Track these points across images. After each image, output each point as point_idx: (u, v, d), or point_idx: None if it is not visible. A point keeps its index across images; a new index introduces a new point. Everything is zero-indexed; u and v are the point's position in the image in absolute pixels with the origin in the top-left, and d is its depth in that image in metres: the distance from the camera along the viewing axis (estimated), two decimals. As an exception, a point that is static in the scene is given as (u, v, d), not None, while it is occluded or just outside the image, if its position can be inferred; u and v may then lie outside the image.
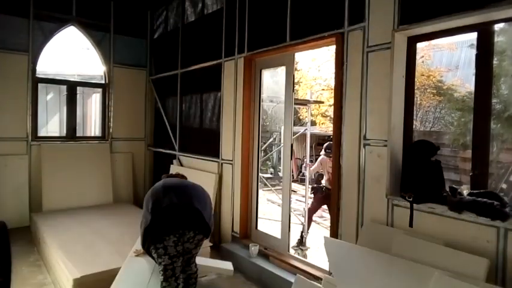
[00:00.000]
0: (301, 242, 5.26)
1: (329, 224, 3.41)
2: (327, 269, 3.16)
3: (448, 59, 9.36)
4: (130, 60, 6.09)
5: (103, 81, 5.96)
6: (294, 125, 4.12)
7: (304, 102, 7.73)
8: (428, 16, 2.47)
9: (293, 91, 3.85)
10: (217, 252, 4.19)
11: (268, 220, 6.25)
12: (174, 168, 5.31)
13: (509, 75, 5.16)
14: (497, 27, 2.52)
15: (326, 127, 11.10)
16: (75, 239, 3.91)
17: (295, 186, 9.43)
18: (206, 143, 4.86)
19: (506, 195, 4.14)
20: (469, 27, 2.41)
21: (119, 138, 6.00)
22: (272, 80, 9.58)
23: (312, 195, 5.49)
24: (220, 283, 3.56)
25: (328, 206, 5.39)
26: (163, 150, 5.82)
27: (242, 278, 3.69)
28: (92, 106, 10.10)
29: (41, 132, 5.60)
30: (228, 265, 3.31)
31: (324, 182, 5.43)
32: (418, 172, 2.55)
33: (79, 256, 3.39)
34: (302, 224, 5.74)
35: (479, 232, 2.20)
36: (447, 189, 2.49)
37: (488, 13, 2.20)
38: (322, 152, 5.57)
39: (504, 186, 4.47)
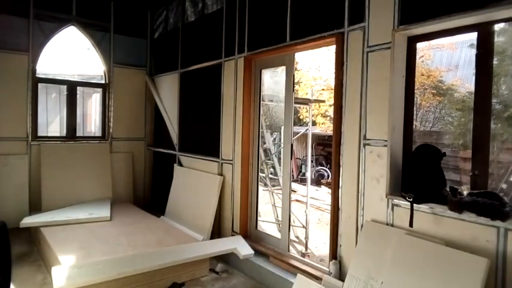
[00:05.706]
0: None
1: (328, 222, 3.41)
2: (327, 269, 3.16)
3: (448, 59, 9.36)
4: (130, 60, 6.08)
5: (103, 81, 5.96)
6: (294, 125, 4.12)
7: (305, 101, 7.65)
8: (428, 16, 2.47)
9: (293, 91, 3.85)
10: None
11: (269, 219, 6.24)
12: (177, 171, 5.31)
13: (509, 75, 5.17)
14: (497, 27, 2.52)
15: (326, 127, 11.09)
16: (75, 238, 3.93)
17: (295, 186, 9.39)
18: (206, 143, 4.86)
19: (506, 195, 4.14)
20: (469, 27, 2.41)
21: (118, 138, 5.99)
22: (272, 80, 9.58)
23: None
24: (219, 283, 3.56)
25: None
26: (163, 150, 5.82)
27: (242, 278, 3.69)
28: (92, 106, 10.10)
29: (41, 132, 5.59)
30: None
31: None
32: (419, 172, 2.54)
33: (78, 255, 3.39)
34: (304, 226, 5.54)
35: (479, 232, 2.21)
36: (448, 188, 2.49)
37: (488, 13, 2.20)
38: None
39: (504, 186, 4.46)
